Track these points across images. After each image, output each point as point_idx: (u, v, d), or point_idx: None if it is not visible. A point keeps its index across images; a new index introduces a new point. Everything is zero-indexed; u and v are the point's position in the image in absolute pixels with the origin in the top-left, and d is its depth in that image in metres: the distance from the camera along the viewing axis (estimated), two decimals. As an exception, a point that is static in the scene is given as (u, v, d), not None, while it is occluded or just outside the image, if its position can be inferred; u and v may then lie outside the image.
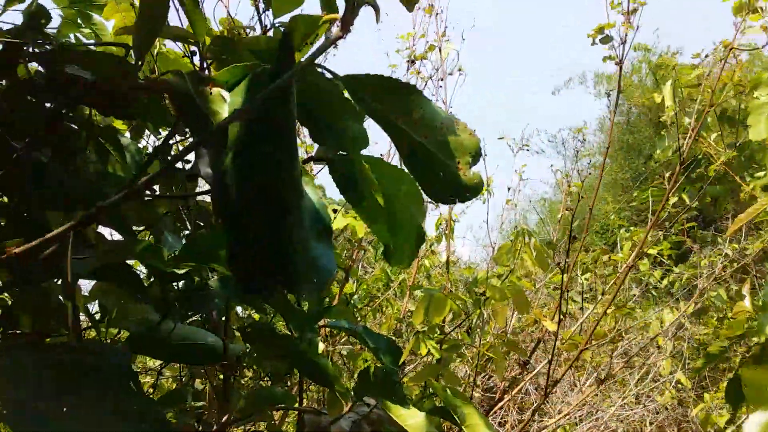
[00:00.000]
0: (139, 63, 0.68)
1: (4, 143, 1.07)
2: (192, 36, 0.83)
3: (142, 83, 0.66)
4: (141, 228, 2.03)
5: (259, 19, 0.96)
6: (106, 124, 1.84)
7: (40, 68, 1.53)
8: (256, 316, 1.65)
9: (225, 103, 0.64)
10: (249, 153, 0.59)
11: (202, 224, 2.19)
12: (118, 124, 2.15)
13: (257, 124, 0.58)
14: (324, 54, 0.60)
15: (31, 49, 1.42)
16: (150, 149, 2.17)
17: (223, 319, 1.52)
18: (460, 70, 2.70)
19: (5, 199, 1.28)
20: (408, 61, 2.77)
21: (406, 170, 0.92)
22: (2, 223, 1.27)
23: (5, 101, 1.41)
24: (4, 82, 1.43)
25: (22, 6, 1.89)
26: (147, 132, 2.25)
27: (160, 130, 2.38)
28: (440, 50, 2.74)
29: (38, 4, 1.44)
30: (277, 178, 0.59)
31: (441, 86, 2.74)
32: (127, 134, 2.05)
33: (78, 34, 2.23)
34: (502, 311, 2.23)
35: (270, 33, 0.91)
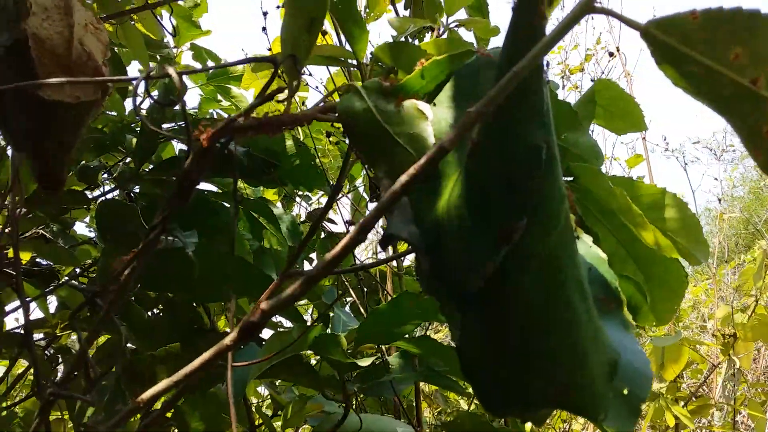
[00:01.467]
0: (294, 84, 0.47)
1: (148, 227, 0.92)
2: (349, 54, 0.62)
3: (295, 115, 0.45)
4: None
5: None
6: (256, 196, 1.71)
7: (183, 146, 1.43)
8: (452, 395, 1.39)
9: (427, 120, 0.40)
10: (482, 189, 0.34)
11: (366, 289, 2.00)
12: (269, 195, 2.02)
13: (492, 144, 0.33)
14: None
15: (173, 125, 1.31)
16: (303, 217, 2.03)
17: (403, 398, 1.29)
18: (627, 75, 2.35)
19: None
20: (562, 77, 2.48)
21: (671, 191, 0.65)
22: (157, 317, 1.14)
23: (151, 182, 1.30)
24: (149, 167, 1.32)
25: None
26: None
27: (310, 194, 2.25)
28: (598, 61, 2.43)
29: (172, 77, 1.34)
30: (536, 225, 0.33)
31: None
32: (279, 204, 1.92)
33: (219, 110, 2.18)
34: (748, 353, 1.80)
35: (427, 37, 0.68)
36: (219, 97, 2.17)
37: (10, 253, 1.31)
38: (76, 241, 1.59)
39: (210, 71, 2.18)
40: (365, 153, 0.43)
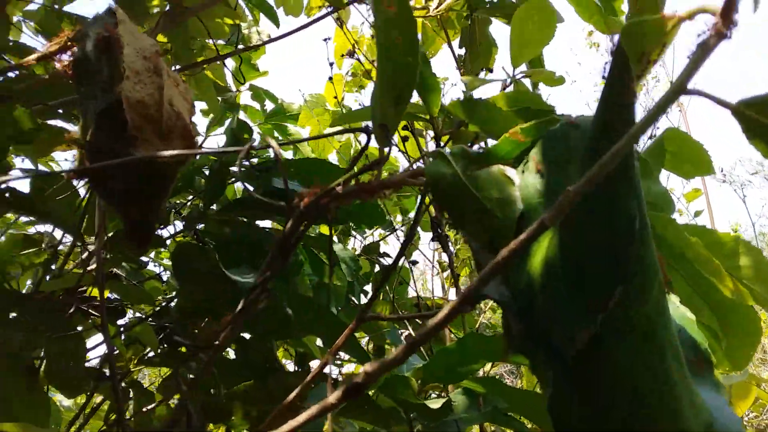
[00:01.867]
0: (385, 152, 0.49)
1: (222, 276, 0.96)
2: (423, 110, 0.64)
3: (386, 181, 0.47)
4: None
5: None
6: (315, 233, 1.75)
7: (248, 186, 1.48)
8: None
9: (514, 185, 0.42)
10: (578, 258, 0.36)
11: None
12: (324, 230, 2.06)
13: (588, 216, 0.35)
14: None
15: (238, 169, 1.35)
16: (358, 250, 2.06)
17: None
18: (680, 106, 2.32)
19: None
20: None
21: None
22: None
23: (217, 222, 1.35)
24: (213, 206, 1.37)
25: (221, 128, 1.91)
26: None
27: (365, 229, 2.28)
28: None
29: (239, 120, 1.39)
30: (634, 294, 0.34)
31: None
32: (335, 239, 1.96)
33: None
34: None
35: (510, 88, 0.70)
36: (276, 134, 2.23)
37: (90, 291, 1.37)
38: (144, 277, 1.66)
39: (268, 111, 2.25)
40: (453, 216, 0.45)
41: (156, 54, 0.71)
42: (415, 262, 1.45)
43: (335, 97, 1.86)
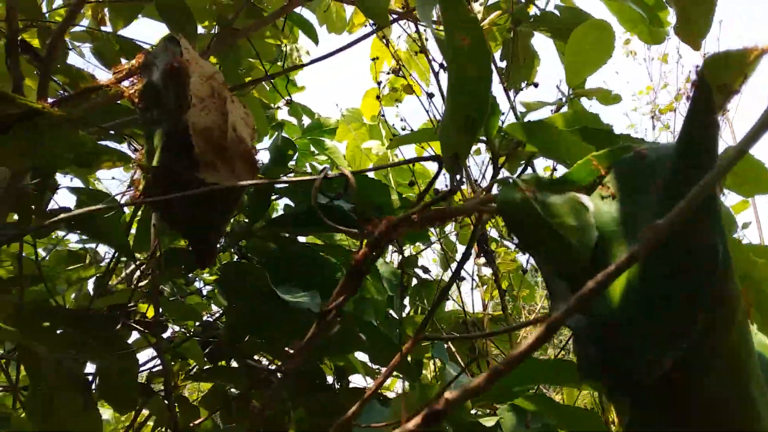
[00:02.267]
0: (457, 179, 0.50)
1: (271, 295, 0.97)
2: (481, 132, 0.65)
3: (458, 208, 0.48)
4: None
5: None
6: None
7: (290, 202, 1.50)
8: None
9: (588, 212, 0.43)
10: (661, 287, 0.36)
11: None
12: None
13: (673, 246, 0.35)
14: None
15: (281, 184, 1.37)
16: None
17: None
18: (723, 113, 2.29)
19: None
20: (652, 117, 2.45)
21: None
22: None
23: (262, 238, 1.37)
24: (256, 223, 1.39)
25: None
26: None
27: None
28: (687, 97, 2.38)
29: (283, 138, 1.41)
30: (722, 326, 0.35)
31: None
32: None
33: (314, 163, 2.26)
34: None
35: (564, 109, 0.70)
36: (312, 149, 2.26)
37: (141, 309, 1.40)
38: (185, 292, 1.69)
39: (305, 126, 2.28)
40: (524, 242, 0.45)
41: (219, 80, 0.73)
42: (462, 279, 1.46)
43: (383, 117, 1.88)
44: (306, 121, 2.27)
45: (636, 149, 0.43)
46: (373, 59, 1.66)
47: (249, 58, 1.29)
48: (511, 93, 1.47)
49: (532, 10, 1.28)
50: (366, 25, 1.62)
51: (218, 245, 0.74)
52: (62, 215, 1.09)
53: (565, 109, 0.70)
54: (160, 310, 1.41)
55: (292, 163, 2.17)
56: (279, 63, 1.71)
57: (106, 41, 1.09)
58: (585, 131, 0.60)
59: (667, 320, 0.36)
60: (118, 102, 1.14)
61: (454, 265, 1.95)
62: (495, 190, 0.49)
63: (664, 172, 0.39)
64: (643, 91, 2.53)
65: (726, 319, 0.35)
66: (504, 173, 0.67)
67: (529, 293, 1.72)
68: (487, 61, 0.46)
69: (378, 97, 1.69)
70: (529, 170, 0.76)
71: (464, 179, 0.53)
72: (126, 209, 1.61)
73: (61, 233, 1.57)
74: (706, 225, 0.34)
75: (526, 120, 0.62)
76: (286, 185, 1.35)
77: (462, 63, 0.46)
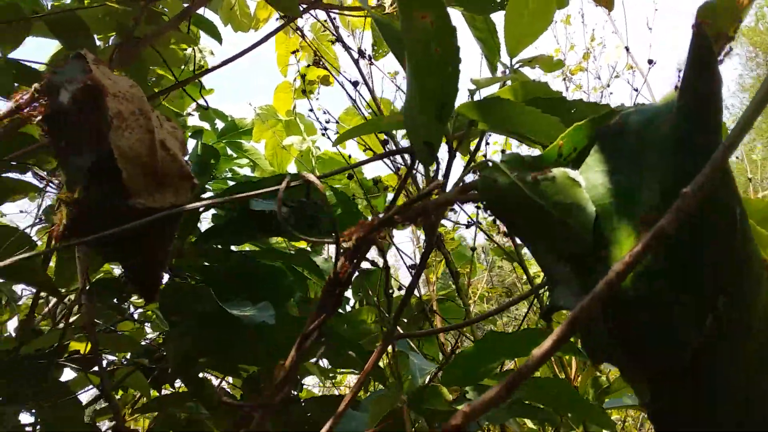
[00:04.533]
0: (432, 170, 0.46)
1: (219, 314, 0.91)
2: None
3: (437, 201, 0.44)
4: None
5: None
6: (295, 249, 1.71)
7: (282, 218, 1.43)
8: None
9: (580, 187, 0.40)
10: (684, 262, 0.34)
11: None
12: (302, 243, 2.01)
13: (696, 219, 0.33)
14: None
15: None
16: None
17: None
18: (631, 68, 2.35)
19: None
20: (563, 79, 2.49)
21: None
22: None
23: (194, 254, 1.29)
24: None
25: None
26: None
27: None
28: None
29: (203, 145, 1.34)
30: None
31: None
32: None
33: (235, 167, 2.17)
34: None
35: (508, 83, 0.68)
36: (230, 151, 2.17)
37: (74, 346, 1.30)
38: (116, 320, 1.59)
39: (220, 130, 2.18)
40: (516, 229, 0.43)
41: (139, 95, 0.66)
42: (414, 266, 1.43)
43: (297, 111, 1.82)
44: (219, 124, 2.18)
45: (620, 114, 0.41)
46: (294, 52, 1.60)
47: (154, 67, 1.21)
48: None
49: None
50: (272, 19, 1.55)
51: (162, 272, 0.67)
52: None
53: (508, 83, 0.67)
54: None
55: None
56: (185, 67, 1.62)
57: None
58: (538, 102, 0.58)
59: (692, 294, 0.34)
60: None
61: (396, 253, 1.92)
62: (469, 177, 0.46)
63: (658, 137, 0.37)
64: (552, 54, 2.55)
65: (750, 290, 0.33)
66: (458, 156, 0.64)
67: (472, 268, 1.71)
68: (453, 40, 0.43)
69: (302, 90, 1.63)
70: (488, 151, 0.73)
71: (440, 169, 0.49)
72: (39, 241, 1.49)
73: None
74: (722, 188, 0.32)
75: (477, 99, 0.59)
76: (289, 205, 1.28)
77: (426, 43, 0.43)
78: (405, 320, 1.86)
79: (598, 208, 0.39)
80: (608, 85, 2.40)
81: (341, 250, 0.44)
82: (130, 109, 0.65)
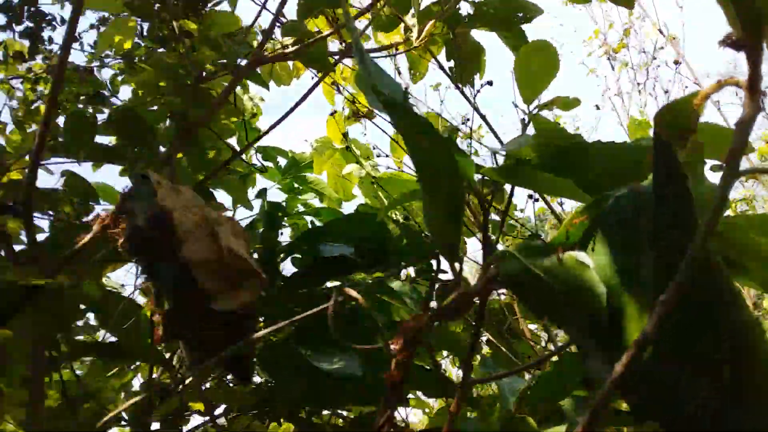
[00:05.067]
0: (457, 267, 0.52)
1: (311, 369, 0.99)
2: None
3: (471, 293, 0.49)
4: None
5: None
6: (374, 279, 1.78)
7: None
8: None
9: (590, 269, 0.44)
10: (688, 333, 0.38)
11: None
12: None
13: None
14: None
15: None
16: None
17: None
18: (673, 38, 2.28)
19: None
20: (608, 58, 2.45)
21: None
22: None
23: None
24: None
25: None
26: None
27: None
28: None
29: (269, 203, 1.43)
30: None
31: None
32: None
33: (299, 206, 2.26)
34: None
35: (530, 128, 0.72)
36: (296, 185, 2.26)
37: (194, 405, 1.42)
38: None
39: (283, 167, 2.28)
40: (541, 312, 0.47)
41: (200, 204, 0.74)
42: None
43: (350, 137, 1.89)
44: (282, 161, 2.28)
45: (613, 198, 0.45)
46: (332, 113, 1.67)
47: (210, 143, 1.30)
48: (468, 90, 1.49)
49: (466, 8, 1.29)
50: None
51: (252, 358, 0.76)
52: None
53: (530, 129, 0.71)
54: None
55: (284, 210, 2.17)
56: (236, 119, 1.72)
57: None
58: (555, 163, 0.61)
59: (696, 362, 0.38)
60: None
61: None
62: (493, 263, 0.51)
63: (646, 226, 0.41)
64: (591, 36, 2.52)
65: (750, 343, 0.37)
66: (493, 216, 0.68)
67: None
68: (449, 156, 0.47)
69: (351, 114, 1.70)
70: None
71: (463, 265, 0.54)
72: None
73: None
74: (700, 287, 0.36)
75: (501, 164, 0.64)
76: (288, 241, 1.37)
77: (428, 162, 0.48)
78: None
79: (608, 288, 0.44)
80: (654, 58, 2.34)
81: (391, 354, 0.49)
82: (195, 221, 0.73)
